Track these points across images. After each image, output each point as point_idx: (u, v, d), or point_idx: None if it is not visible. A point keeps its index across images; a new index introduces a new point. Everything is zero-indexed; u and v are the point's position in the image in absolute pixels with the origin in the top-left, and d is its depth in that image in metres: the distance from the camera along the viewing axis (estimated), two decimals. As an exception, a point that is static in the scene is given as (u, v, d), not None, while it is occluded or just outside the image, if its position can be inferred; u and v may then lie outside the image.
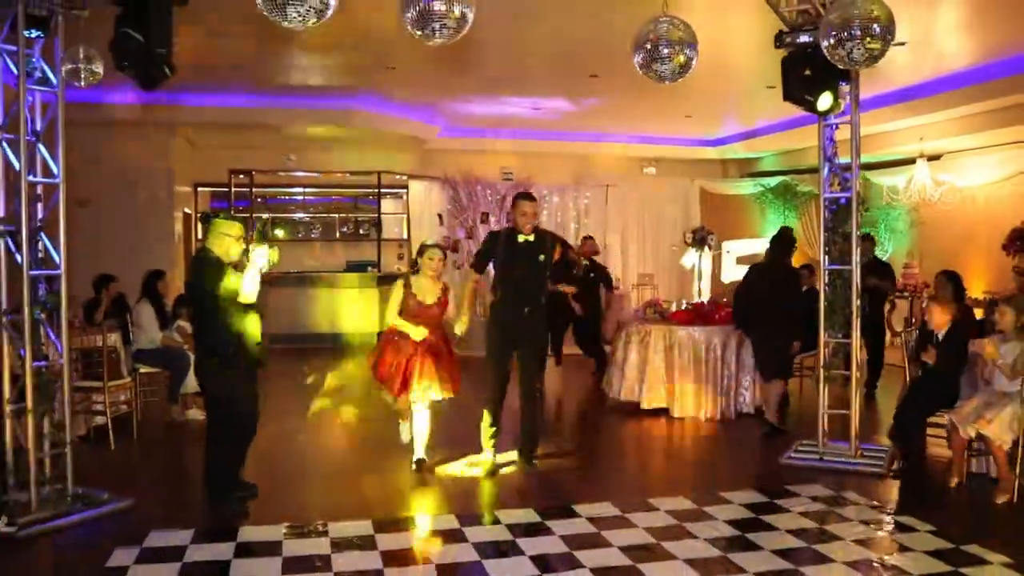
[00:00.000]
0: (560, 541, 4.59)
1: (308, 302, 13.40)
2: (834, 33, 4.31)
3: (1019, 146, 11.66)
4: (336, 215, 14.82)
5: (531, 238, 5.94)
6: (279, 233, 14.35)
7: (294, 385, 9.75)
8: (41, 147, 5.03)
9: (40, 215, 5.06)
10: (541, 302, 6.08)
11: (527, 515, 5.02)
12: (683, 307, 8.55)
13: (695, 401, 7.90)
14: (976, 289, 11.25)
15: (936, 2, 7.60)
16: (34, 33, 4.85)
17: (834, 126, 6.36)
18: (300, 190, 14.77)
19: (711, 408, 7.88)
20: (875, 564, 4.30)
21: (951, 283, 8.11)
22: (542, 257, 5.98)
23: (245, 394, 5.11)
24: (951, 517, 5.09)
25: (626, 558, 4.34)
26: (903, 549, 4.53)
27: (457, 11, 3.91)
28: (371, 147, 13.79)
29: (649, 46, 4.58)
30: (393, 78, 10.32)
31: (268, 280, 5.27)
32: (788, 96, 5.71)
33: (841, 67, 4.65)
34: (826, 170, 6.38)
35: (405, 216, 14.58)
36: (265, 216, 4.89)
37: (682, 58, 4.60)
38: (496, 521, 4.92)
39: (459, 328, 6.00)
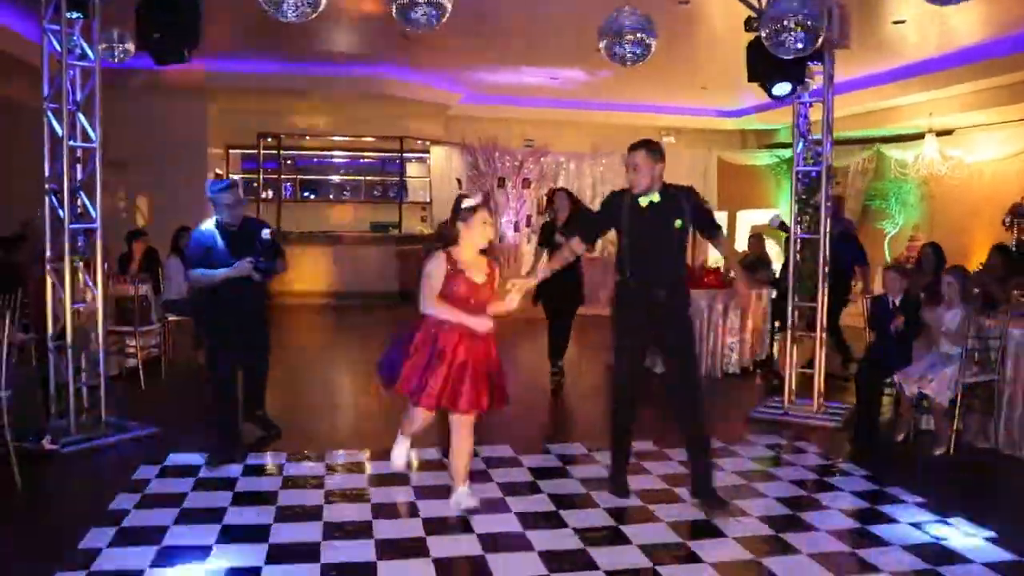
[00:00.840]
0: (527, 472, 5.22)
1: (333, 260, 14.12)
2: (770, 25, 4.78)
3: (1024, 123, 11.94)
4: (362, 178, 15.43)
5: (655, 198, 4.54)
6: (310, 195, 15.04)
7: (315, 337, 10.48)
8: (81, 116, 5.69)
9: (80, 176, 5.73)
10: (679, 281, 4.73)
11: (503, 450, 5.64)
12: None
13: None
14: (977, 263, 11.58)
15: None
16: (75, 14, 5.49)
17: (807, 104, 6.81)
18: (327, 153, 15.39)
19: (696, 367, 8.42)
20: (802, 499, 4.86)
21: (935, 255, 8.54)
22: (678, 223, 4.54)
23: (231, 347, 5.46)
24: (887, 465, 5.61)
25: (581, 487, 4.94)
26: (832, 488, 5.08)
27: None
28: (395, 113, 14.30)
29: (612, 34, 5.11)
30: (416, 47, 10.80)
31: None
32: (751, 78, 6.17)
33: (782, 56, 5.08)
34: (800, 145, 6.84)
35: (428, 180, 15.20)
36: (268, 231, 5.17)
37: (640, 47, 5.12)
38: (475, 454, 5.54)
39: (509, 303, 4.50)
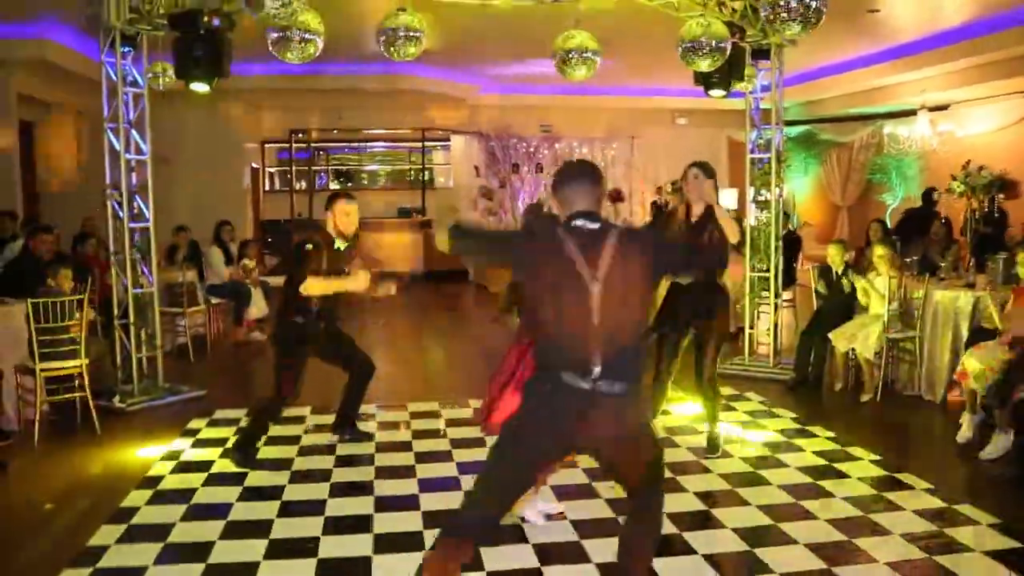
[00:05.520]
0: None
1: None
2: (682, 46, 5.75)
3: (1015, 96, 12.53)
4: (389, 167, 16.58)
5: None
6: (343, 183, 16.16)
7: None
8: (134, 132, 6.83)
9: (134, 182, 6.88)
10: None
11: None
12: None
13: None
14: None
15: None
16: (126, 48, 6.62)
17: (758, 99, 7.72)
18: (356, 144, 16.54)
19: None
20: (733, 433, 5.80)
21: (882, 229, 9.37)
22: None
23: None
24: (814, 409, 6.56)
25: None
26: (756, 426, 6.04)
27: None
28: (418, 105, 15.28)
29: (561, 54, 6.16)
30: (433, 44, 11.67)
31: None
32: (696, 83, 7.10)
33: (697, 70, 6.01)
34: (753, 134, 7.76)
35: (450, 167, 16.28)
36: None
37: (587, 66, 6.15)
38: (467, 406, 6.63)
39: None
